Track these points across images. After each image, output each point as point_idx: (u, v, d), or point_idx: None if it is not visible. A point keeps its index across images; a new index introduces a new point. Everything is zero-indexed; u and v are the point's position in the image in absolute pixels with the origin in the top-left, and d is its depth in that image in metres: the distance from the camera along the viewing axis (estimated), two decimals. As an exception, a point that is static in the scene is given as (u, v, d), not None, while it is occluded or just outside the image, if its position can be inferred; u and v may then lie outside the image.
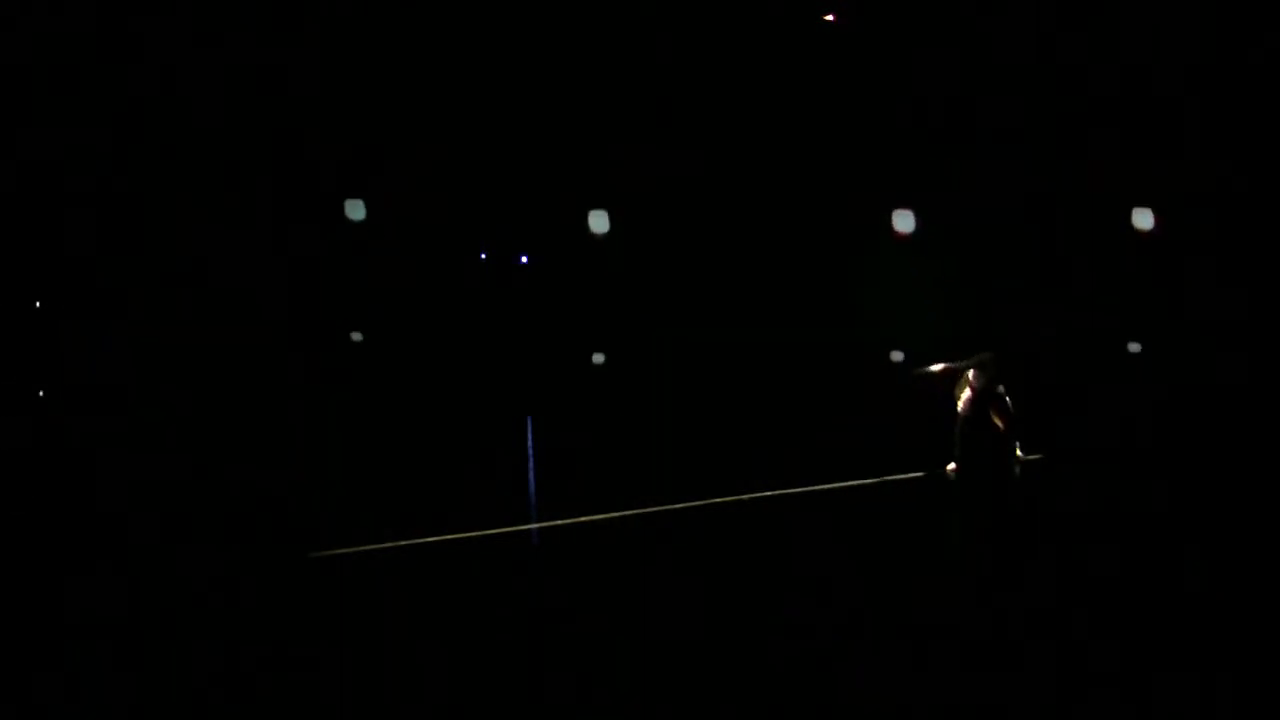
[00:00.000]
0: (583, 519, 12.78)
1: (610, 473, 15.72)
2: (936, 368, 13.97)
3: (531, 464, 17.23)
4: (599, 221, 20.55)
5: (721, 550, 11.83)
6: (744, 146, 20.80)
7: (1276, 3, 18.32)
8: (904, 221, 20.00)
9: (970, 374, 14.48)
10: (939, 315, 19.24)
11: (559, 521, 12.68)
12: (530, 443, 19.02)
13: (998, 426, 14.38)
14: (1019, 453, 14.43)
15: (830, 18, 20.11)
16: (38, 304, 20.10)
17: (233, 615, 9.70)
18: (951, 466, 14.63)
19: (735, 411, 19.82)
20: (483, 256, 22.27)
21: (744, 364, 20.76)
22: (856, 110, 20.36)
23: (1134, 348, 18.93)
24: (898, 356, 14.39)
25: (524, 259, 22.26)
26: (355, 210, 20.42)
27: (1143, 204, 19.35)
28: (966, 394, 14.52)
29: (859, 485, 14.48)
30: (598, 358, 21.01)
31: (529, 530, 12.65)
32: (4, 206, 19.68)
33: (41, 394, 19.63)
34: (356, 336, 20.97)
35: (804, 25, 20.21)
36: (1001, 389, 14.19)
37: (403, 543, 11.75)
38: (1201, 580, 9.94)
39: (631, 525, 12.74)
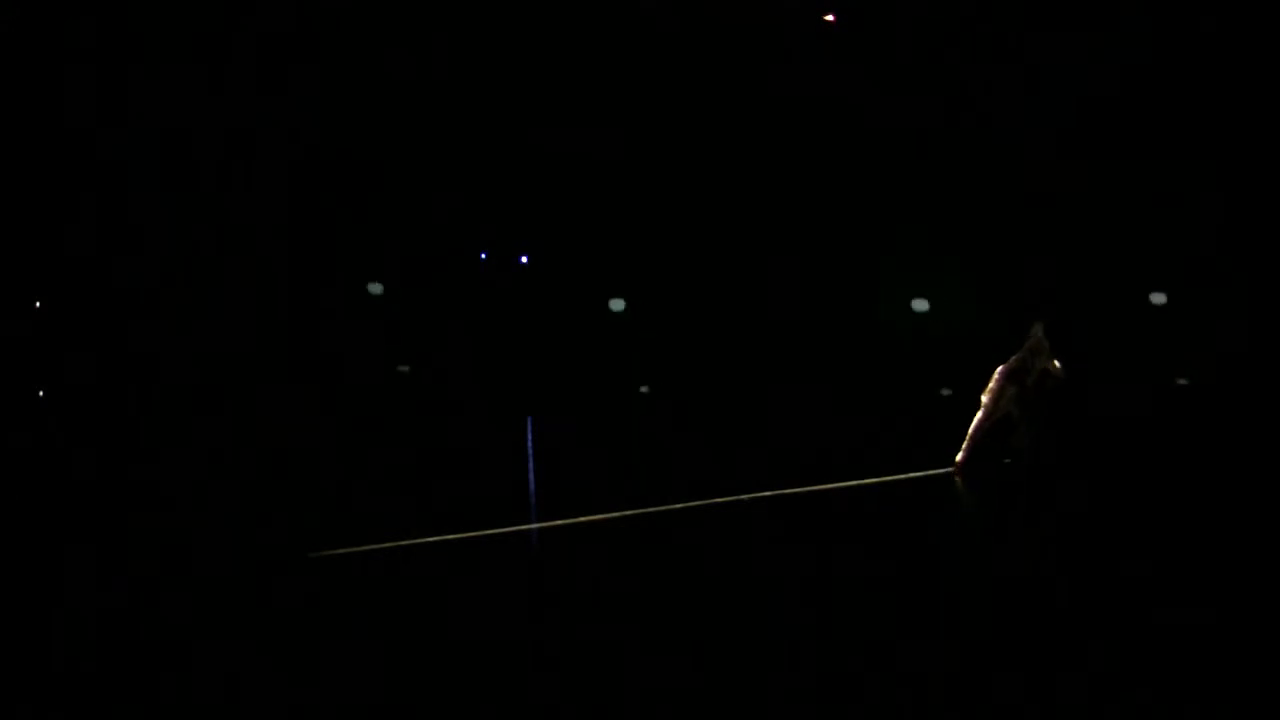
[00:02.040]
0: (582, 519, 12.79)
1: (611, 472, 15.74)
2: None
3: (531, 464, 17.24)
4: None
5: (723, 550, 11.83)
6: (746, 143, 20.83)
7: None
8: None
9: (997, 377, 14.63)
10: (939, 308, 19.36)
11: (559, 521, 12.69)
12: (530, 442, 19.03)
13: (1014, 415, 14.55)
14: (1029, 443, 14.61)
15: (830, 18, 20.15)
16: (38, 304, 20.13)
17: (233, 615, 9.69)
18: (960, 457, 14.68)
19: (736, 409, 19.84)
20: (483, 256, 22.29)
21: (745, 362, 20.78)
22: (857, 107, 20.40)
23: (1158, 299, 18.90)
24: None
25: (524, 259, 22.28)
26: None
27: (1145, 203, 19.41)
28: (993, 384, 14.66)
29: (862, 485, 14.55)
30: (616, 304, 20.96)
31: (529, 530, 12.65)
32: (4, 207, 19.70)
33: (41, 394, 19.66)
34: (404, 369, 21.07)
35: (805, 24, 20.25)
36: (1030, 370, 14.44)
37: (403, 543, 11.77)
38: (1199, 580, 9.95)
39: (632, 525, 12.76)
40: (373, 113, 20.78)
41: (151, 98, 19.70)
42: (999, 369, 14.72)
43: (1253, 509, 12.37)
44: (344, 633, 9.14)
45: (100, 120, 19.56)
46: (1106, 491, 13.73)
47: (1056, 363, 14.74)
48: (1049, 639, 8.58)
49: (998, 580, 10.55)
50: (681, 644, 8.58)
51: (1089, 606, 9.28)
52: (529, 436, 19.39)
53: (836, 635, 8.83)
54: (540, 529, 12.69)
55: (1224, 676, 7.66)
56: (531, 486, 15.27)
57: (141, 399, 18.91)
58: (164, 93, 19.70)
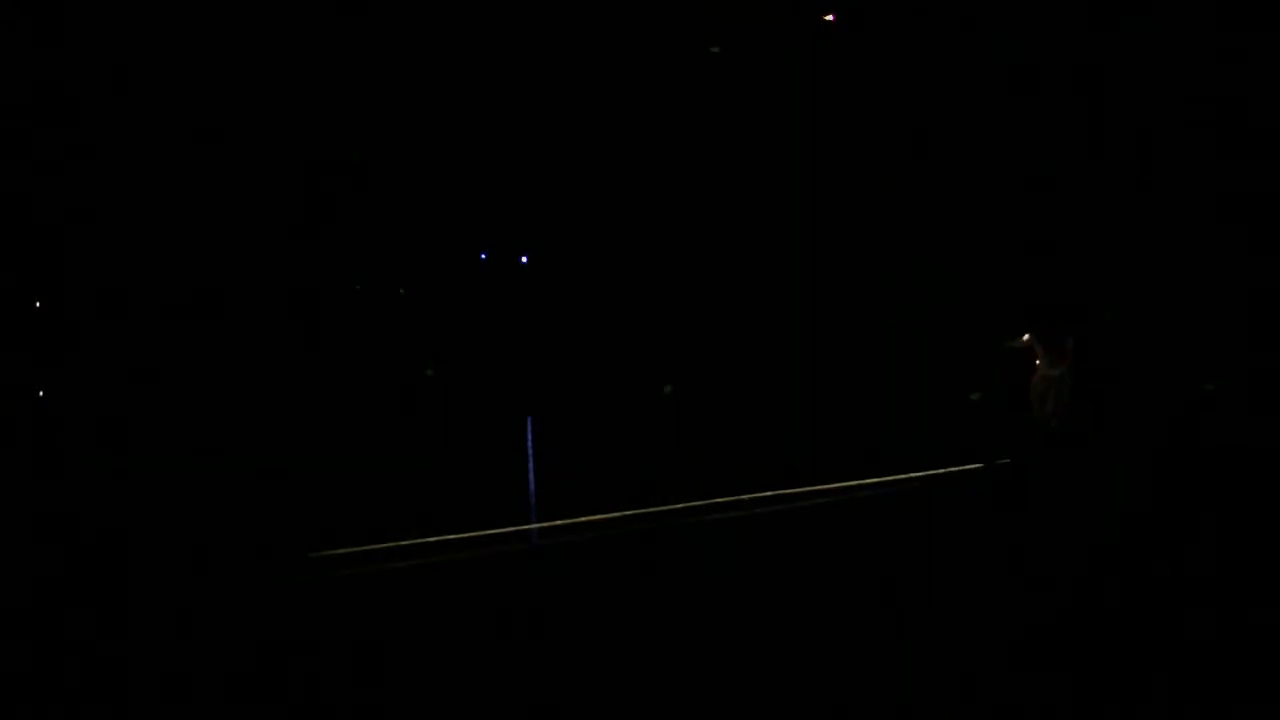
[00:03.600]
0: (583, 519, 12.78)
1: (611, 473, 15.73)
2: (1025, 339, 15.20)
3: (531, 464, 17.24)
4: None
5: (720, 554, 11.82)
6: (748, 147, 20.83)
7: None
8: None
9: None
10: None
11: (559, 522, 12.68)
12: (530, 442, 19.03)
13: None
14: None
15: (830, 18, 20.16)
16: (38, 304, 20.14)
17: (230, 617, 9.69)
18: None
19: (737, 410, 19.83)
20: (483, 256, 22.31)
21: (749, 361, 20.78)
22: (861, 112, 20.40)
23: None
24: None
25: (524, 259, 22.29)
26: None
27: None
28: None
29: (868, 485, 14.58)
30: (668, 389, 21.03)
31: (529, 530, 12.64)
32: (5, 207, 19.73)
33: (42, 394, 19.67)
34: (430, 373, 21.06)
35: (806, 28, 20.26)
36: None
37: (403, 542, 11.76)
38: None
39: (634, 526, 12.75)
40: (372, 112, 20.80)
41: (158, 102, 19.75)
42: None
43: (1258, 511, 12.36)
44: (342, 634, 9.14)
45: (101, 120, 19.60)
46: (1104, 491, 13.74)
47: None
48: (1055, 643, 8.58)
49: (999, 582, 10.55)
50: (682, 648, 8.58)
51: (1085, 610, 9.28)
52: (528, 437, 19.38)
53: (835, 638, 8.83)
54: (539, 530, 12.68)
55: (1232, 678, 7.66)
56: (532, 487, 15.26)
57: (141, 399, 18.91)
58: (171, 96, 19.75)
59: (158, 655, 8.61)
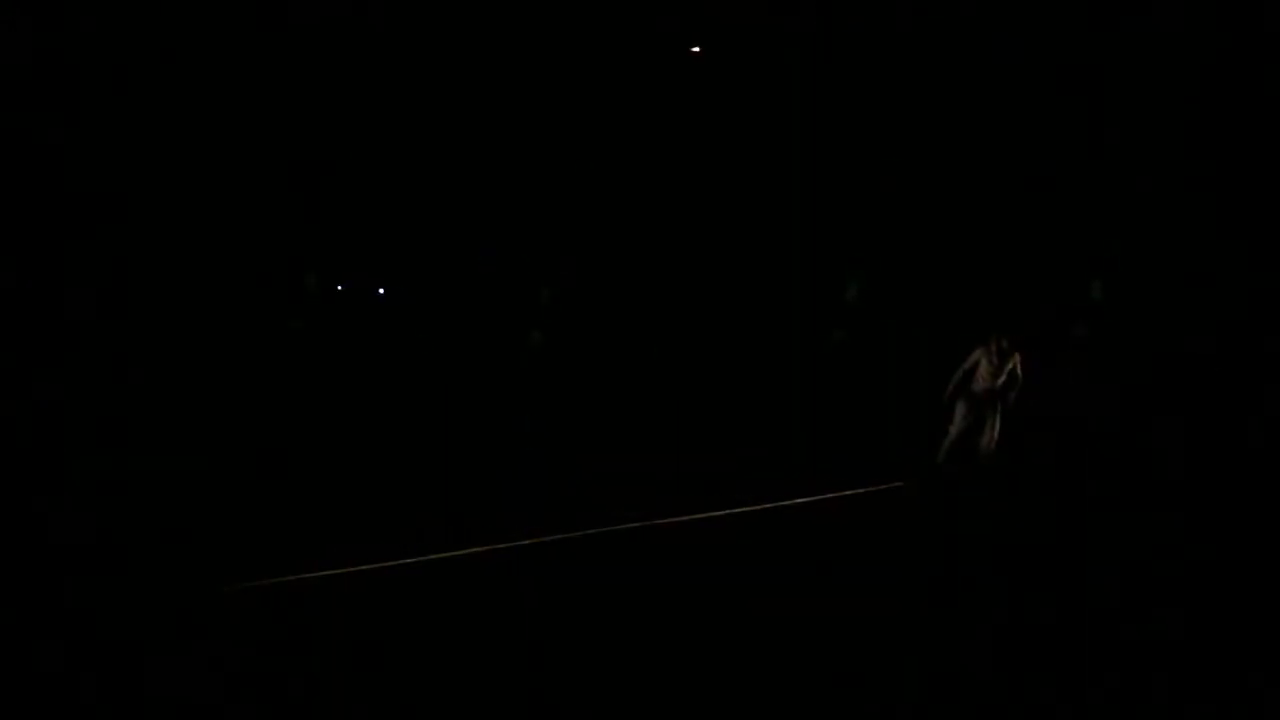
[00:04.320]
0: (572, 534, 12.74)
1: (602, 484, 15.73)
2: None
3: (529, 469, 17.21)
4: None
5: (706, 564, 11.82)
6: (723, 157, 20.85)
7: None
8: None
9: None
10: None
11: (551, 537, 12.64)
12: (527, 444, 19.00)
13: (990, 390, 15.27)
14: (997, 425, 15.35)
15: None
16: (37, 305, 20.13)
17: (228, 617, 9.68)
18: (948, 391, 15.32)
19: (724, 419, 19.86)
20: (482, 256, 22.30)
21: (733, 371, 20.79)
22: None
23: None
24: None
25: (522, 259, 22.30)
26: None
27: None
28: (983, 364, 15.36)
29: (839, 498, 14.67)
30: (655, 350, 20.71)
31: (518, 546, 12.59)
32: (5, 203, 19.74)
33: (41, 394, 19.64)
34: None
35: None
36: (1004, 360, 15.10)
37: (400, 543, 11.75)
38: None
39: (626, 537, 12.74)
40: (370, 111, 20.81)
41: (150, 101, 19.75)
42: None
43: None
44: (341, 634, 9.13)
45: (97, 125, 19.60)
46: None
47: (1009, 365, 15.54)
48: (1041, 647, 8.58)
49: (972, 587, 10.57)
50: (678, 648, 8.58)
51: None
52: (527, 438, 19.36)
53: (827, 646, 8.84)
54: (533, 529, 12.67)
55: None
56: (529, 494, 15.26)
57: (138, 400, 18.91)
58: (164, 96, 19.75)
59: (156, 655, 8.60)
